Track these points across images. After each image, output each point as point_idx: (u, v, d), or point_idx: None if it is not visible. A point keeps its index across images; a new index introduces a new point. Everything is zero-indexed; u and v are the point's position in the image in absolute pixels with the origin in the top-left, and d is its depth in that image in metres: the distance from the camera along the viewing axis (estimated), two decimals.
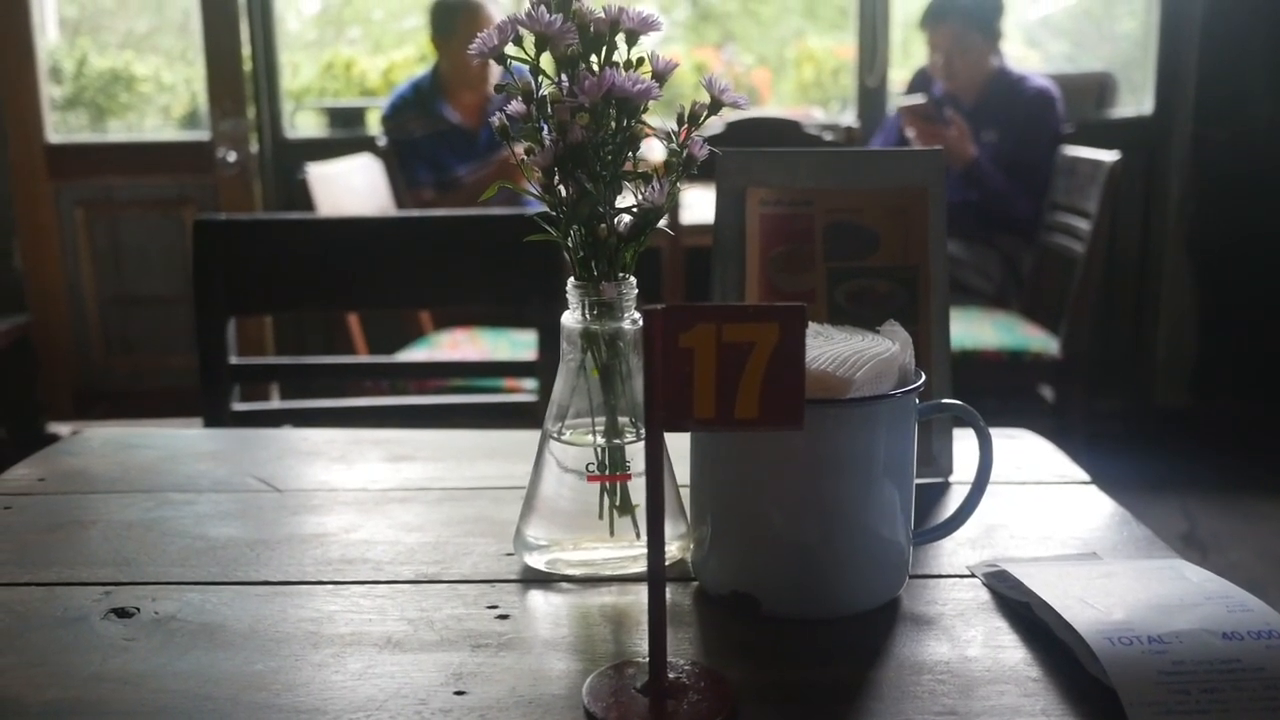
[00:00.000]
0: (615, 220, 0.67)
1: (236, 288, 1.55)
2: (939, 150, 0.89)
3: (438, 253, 1.59)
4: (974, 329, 3.09)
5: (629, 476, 0.72)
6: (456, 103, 3.53)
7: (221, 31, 3.93)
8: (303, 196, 2.76)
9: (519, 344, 2.88)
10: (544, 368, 1.57)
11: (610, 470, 0.72)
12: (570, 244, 0.69)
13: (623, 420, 0.73)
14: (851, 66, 4.19)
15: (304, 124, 4.64)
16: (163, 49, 4.73)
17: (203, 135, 4.07)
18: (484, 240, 1.57)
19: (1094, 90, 4.05)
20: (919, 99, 3.37)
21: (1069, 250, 3.12)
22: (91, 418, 4.23)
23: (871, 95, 4.05)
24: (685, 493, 0.74)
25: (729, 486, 0.69)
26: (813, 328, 0.71)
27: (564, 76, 0.67)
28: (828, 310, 0.86)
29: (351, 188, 3.04)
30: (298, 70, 5.08)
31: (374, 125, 4.01)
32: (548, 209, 0.69)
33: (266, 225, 1.60)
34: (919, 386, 0.66)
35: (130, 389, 4.22)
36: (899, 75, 4.12)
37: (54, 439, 3.70)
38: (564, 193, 0.67)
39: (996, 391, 3.46)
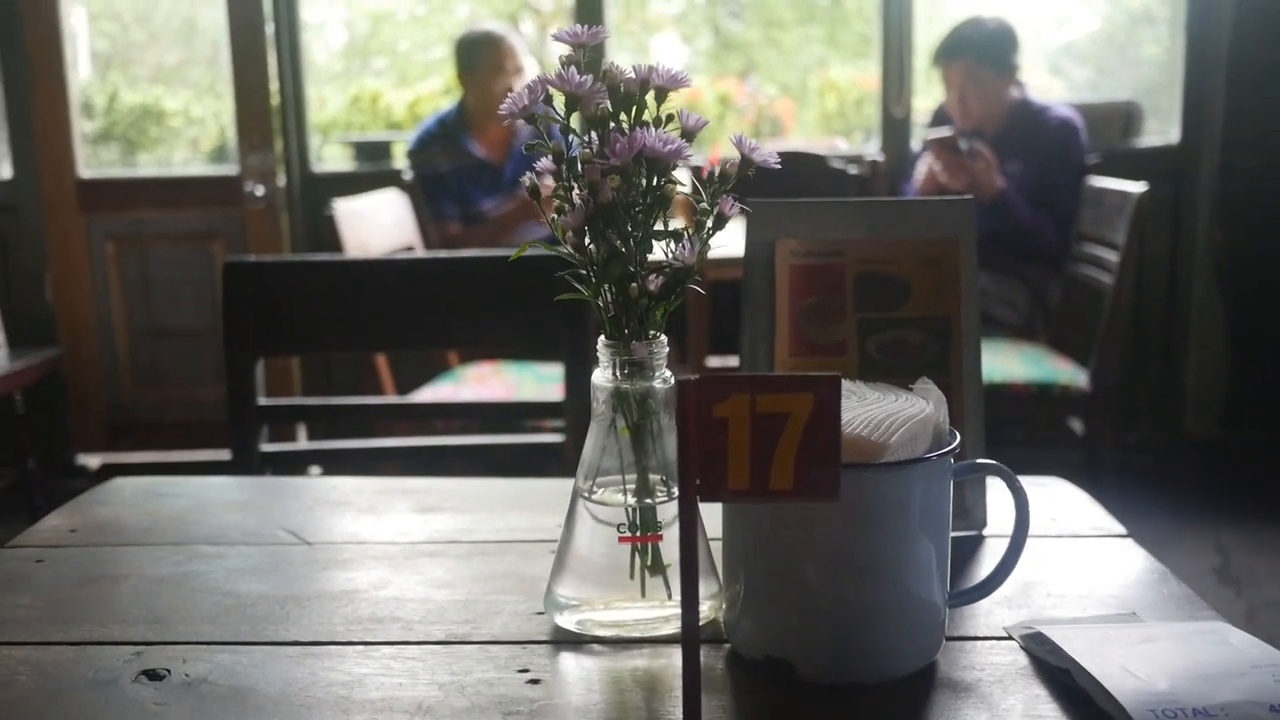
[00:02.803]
0: (646, 279, 0.67)
1: (266, 329, 1.56)
2: (969, 199, 0.89)
3: (466, 293, 1.59)
4: (1002, 361, 3.07)
5: (660, 537, 0.72)
6: (482, 137, 3.56)
7: (250, 66, 3.97)
8: (330, 232, 2.78)
9: (545, 377, 2.88)
10: (571, 408, 1.57)
11: (642, 530, 0.71)
12: (601, 303, 0.68)
13: (654, 478, 0.72)
14: (874, 97, 4.19)
15: (330, 155, 4.68)
16: (192, 81, 4.79)
17: (231, 169, 4.11)
18: (512, 280, 1.58)
19: (1120, 119, 4.03)
20: (946, 131, 3.37)
21: (1096, 282, 3.10)
22: (121, 449, 4.26)
23: (896, 126, 4.05)
24: (716, 546, 0.73)
25: (762, 547, 0.68)
26: (845, 386, 0.71)
27: (594, 135, 0.67)
28: (859, 361, 0.86)
29: (378, 223, 3.05)
30: (325, 104, 5.13)
31: (400, 159, 4.04)
32: (578, 267, 0.68)
33: (296, 267, 1.61)
34: (954, 448, 0.66)
35: (159, 420, 4.24)
36: (923, 104, 4.12)
37: (83, 470, 3.71)
38: (594, 252, 0.67)
39: (1024, 422, 3.44)
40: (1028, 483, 1.04)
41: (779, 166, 0.70)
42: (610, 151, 0.64)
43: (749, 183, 2.25)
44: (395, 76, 5.96)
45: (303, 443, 1.56)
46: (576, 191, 0.66)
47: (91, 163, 4.44)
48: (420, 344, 1.69)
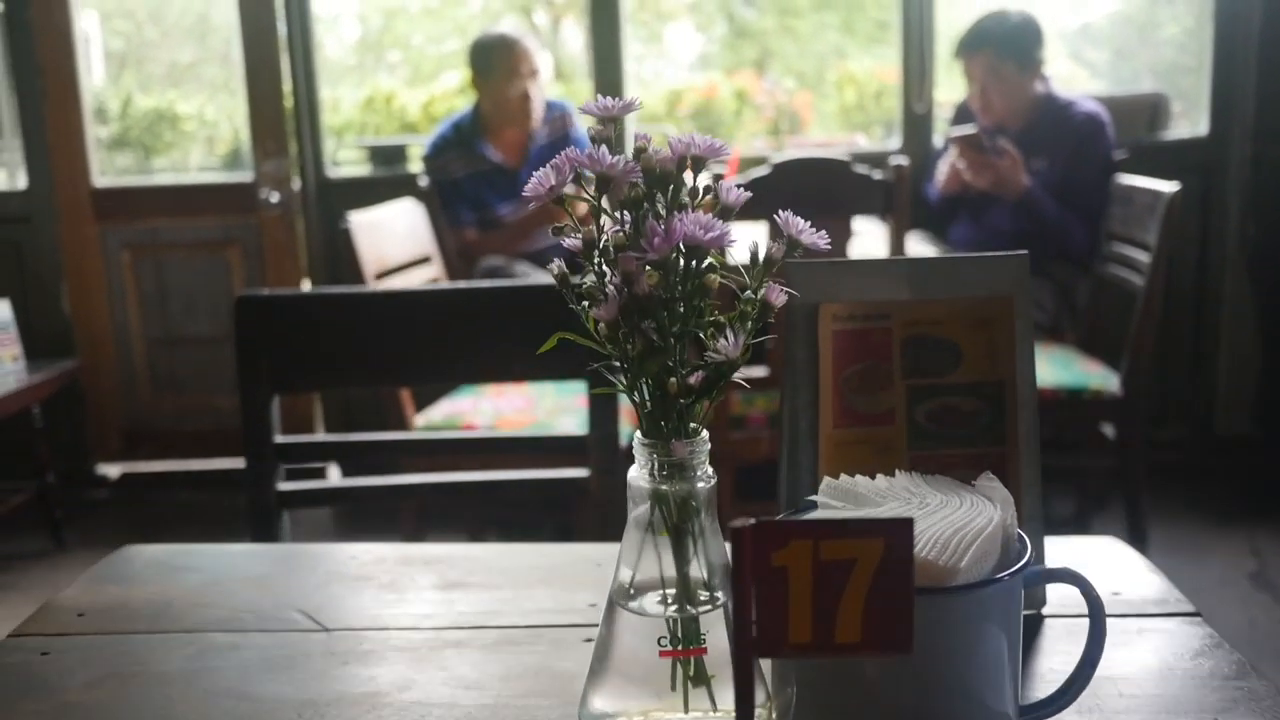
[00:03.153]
0: (686, 375, 0.62)
1: (280, 365, 1.51)
2: (1024, 255, 0.83)
3: (488, 326, 1.54)
4: None
5: (704, 650, 0.67)
6: (498, 142, 3.50)
7: (263, 71, 3.93)
8: (346, 245, 2.74)
9: (565, 389, 2.83)
10: (596, 442, 1.52)
11: (684, 643, 0.66)
12: (636, 398, 0.63)
13: (695, 581, 0.67)
14: (893, 89, 4.12)
15: (345, 158, 4.64)
16: (206, 78, 4.75)
17: (246, 176, 4.07)
18: (536, 312, 1.52)
19: (1146, 111, 3.95)
20: (970, 129, 3.30)
21: (1127, 282, 3.03)
22: (139, 458, 4.24)
23: (918, 122, 3.98)
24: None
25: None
26: (902, 481, 0.66)
27: (626, 216, 0.62)
28: (907, 431, 0.80)
29: (394, 233, 3.01)
30: (338, 105, 5.09)
31: (415, 163, 3.99)
32: (611, 359, 0.63)
33: (311, 300, 1.56)
34: (1026, 563, 0.60)
35: (177, 429, 4.22)
36: (946, 96, 4.05)
37: (103, 480, 3.67)
38: (630, 345, 0.62)
39: (1053, 426, 3.37)
40: (1082, 546, 0.99)
41: (828, 246, 0.65)
42: (647, 243, 0.59)
43: (771, 186, 2.17)
44: (409, 71, 5.91)
45: (320, 480, 1.52)
46: (610, 280, 0.61)
47: (106, 169, 4.41)
48: (443, 378, 1.65)
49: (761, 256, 0.64)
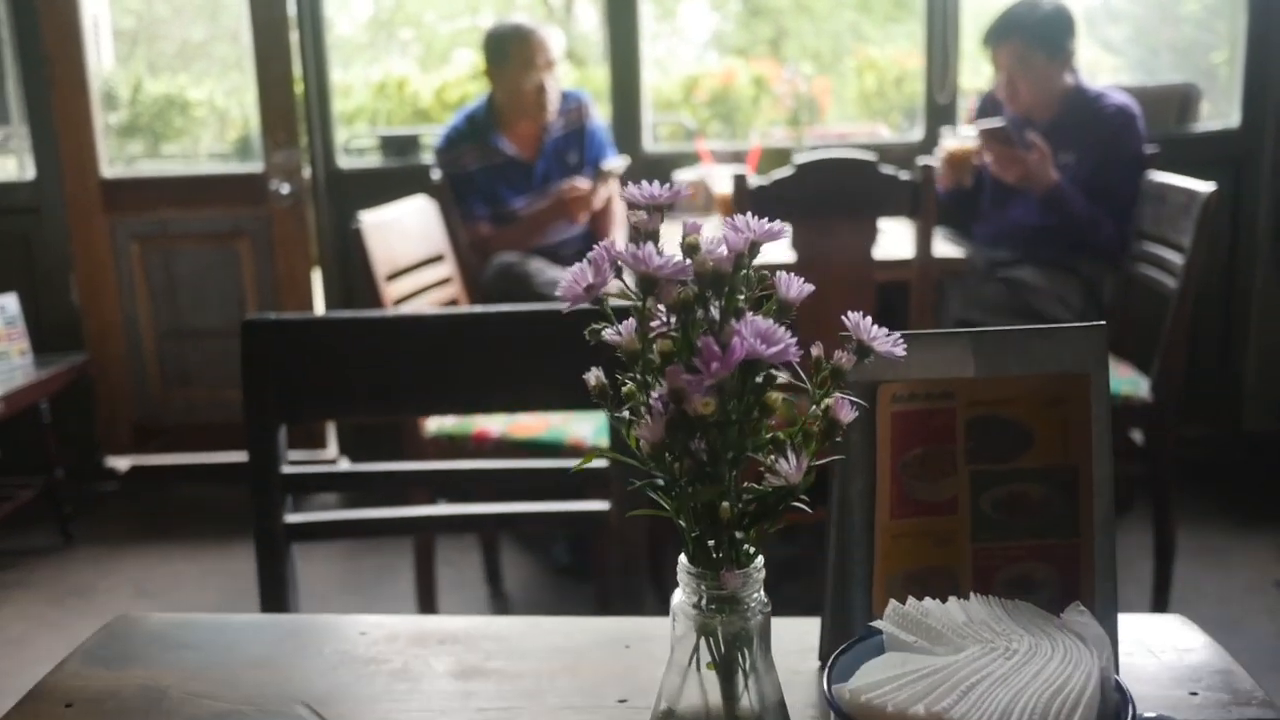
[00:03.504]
0: (741, 501, 0.55)
1: (289, 392, 1.45)
2: (1101, 327, 0.76)
3: (509, 351, 1.48)
4: None
5: None
6: (511, 134, 3.43)
7: (273, 59, 3.86)
8: (357, 245, 2.67)
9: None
10: (618, 474, 1.46)
11: None
12: (683, 522, 0.57)
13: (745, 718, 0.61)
14: (914, 74, 4.03)
15: (358, 144, 4.56)
16: (217, 57, 4.68)
17: (256, 166, 4.01)
18: (560, 337, 1.45)
19: (1175, 102, 3.85)
20: (997, 122, 3.21)
21: (1158, 284, 2.94)
22: (149, 451, 4.20)
23: (941, 112, 3.89)
24: None
25: None
26: (978, 611, 0.59)
27: (673, 318, 0.55)
28: (971, 521, 0.74)
29: (406, 233, 2.94)
30: (350, 90, 5.01)
31: (428, 153, 3.92)
32: (654, 478, 0.56)
33: (321, 324, 1.50)
34: None
35: (187, 422, 4.18)
36: (970, 83, 3.96)
37: (112, 473, 3.63)
38: (676, 466, 0.55)
39: None
40: (1144, 620, 0.92)
41: (904, 354, 0.58)
42: (703, 365, 0.52)
43: (795, 188, 2.09)
44: (422, 49, 5.82)
45: (328, 513, 1.46)
46: (655, 395, 0.54)
47: (116, 156, 4.35)
48: (461, 408, 1.59)
49: (826, 364, 0.57)
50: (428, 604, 2.77)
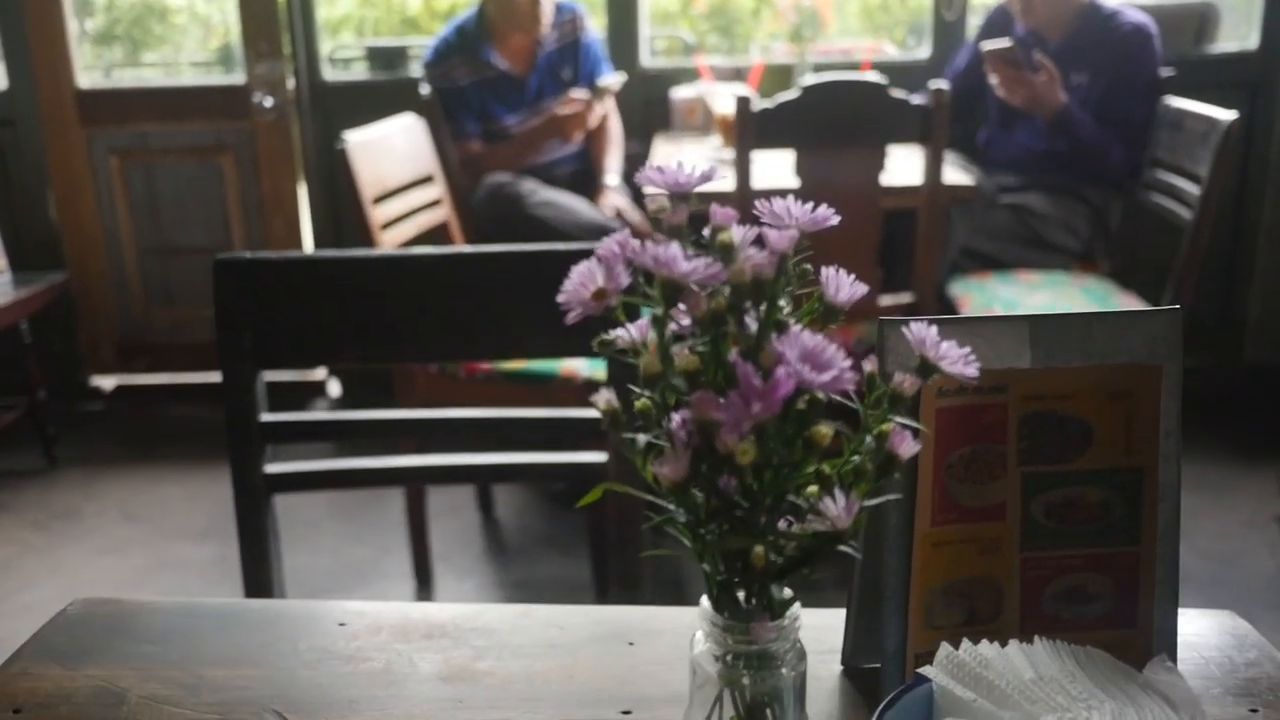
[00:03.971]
0: (777, 545, 0.47)
1: (265, 338, 1.37)
2: (1176, 312, 0.68)
3: (502, 294, 1.39)
4: (1063, 300, 2.85)
5: None
6: (504, 47, 3.29)
7: None
8: (342, 167, 2.56)
9: None
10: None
11: None
12: (707, 566, 0.49)
13: None
14: None
15: (344, 55, 4.40)
16: None
17: (238, 78, 3.86)
18: (555, 279, 1.37)
19: (1193, 23, 3.71)
20: (1004, 43, 3.08)
21: (1170, 214, 2.85)
22: (133, 370, 4.12)
23: (949, 29, 3.75)
24: None
25: None
26: (1043, 658, 0.51)
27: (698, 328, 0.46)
28: (1021, 529, 0.66)
29: (393, 153, 2.82)
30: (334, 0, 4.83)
31: (417, 66, 3.77)
32: (675, 516, 0.48)
33: (299, 264, 1.40)
34: None
35: (172, 341, 4.09)
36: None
37: (96, 393, 3.55)
38: (703, 504, 0.47)
39: None
40: (1194, 626, 0.85)
41: (976, 375, 0.49)
42: (739, 403, 0.43)
43: (802, 111, 1.98)
44: None
45: (311, 463, 1.39)
46: (676, 424, 0.46)
47: (93, 65, 4.19)
48: (450, 355, 1.51)
49: (883, 386, 0.48)
50: (419, 532, 2.72)
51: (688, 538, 0.48)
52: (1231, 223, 3.73)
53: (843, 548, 0.47)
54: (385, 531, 3.04)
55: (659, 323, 0.47)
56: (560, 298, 0.47)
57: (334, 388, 4.04)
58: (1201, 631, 0.81)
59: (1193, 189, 2.73)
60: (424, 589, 2.77)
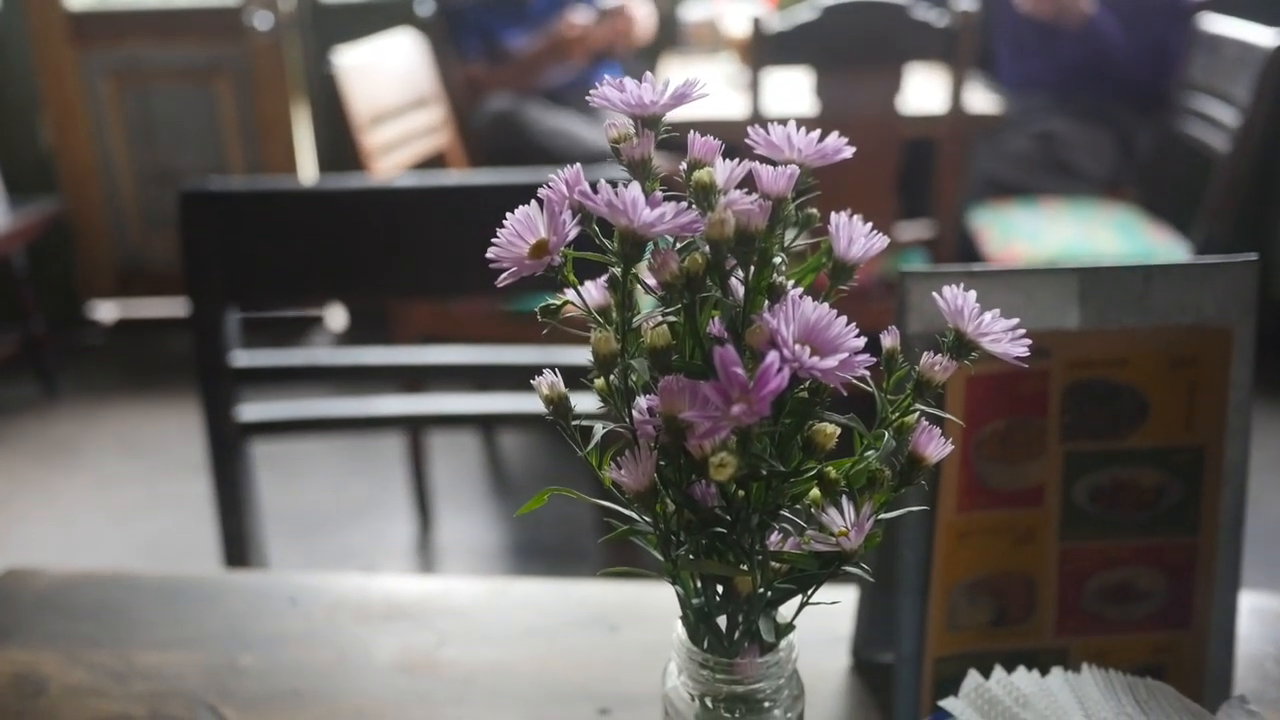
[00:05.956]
0: (768, 569, 0.37)
1: (235, 274, 1.27)
2: (1252, 263, 0.57)
3: (491, 227, 1.28)
4: (1089, 231, 2.72)
5: None
6: None
7: None
8: (336, 91, 2.45)
9: None
10: None
11: None
12: (680, 591, 0.39)
13: None
14: None
15: None
16: None
17: None
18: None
19: None
20: None
21: (1203, 143, 2.71)
22: (132, 296, 4.04)
23: None
24: None
25: None
26: (1095, 698, 0.42)
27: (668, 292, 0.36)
28: (1060, 515, 0.57)
29: (389, 73, 2.70)
30: None
31: None
32: (646, 531, 0.39)
33: (271, 197, 1.30)
34: None
35: (171, 269, 3.99)
36: None
37: (95, 324, 3.47)
38: (675, 518, 0.37)
39: None
40: (1253, 606, 0.75)
41: (1026, 353, 0.39)
42: (719, 399, 0.33)
43: (818, 36, 1.85)
44: None
45: (285, 405, 1.30)
46: (640, 418, 0.36)
47: None
48: (433, 292, 1.41)
49: (906, 368, 0.38)
50: (419, 468, 2.65)
51: (658, 551, 0.39)
52: (1263, 152, 3.58)
53: (850, 568, 0.37)
54: (385, 467, 2.97)
55: (617, 286, 0.37)
56: (490, 253, 0.37)
57: (338, 320, 3.95)
58: (1250, 621, 0.72)
59: (1228, 117, 2.58)
60: (424, 526, 2.71)
